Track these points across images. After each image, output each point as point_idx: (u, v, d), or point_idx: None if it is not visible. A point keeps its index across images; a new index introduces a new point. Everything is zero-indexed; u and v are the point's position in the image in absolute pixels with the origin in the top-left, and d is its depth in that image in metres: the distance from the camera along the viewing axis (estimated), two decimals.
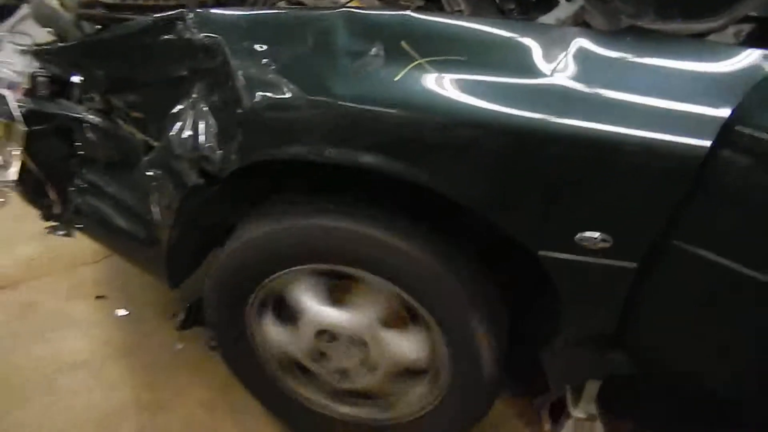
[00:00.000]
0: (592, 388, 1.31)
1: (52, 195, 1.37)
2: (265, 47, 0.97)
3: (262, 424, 1.46)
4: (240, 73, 0.97)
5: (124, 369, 1.60)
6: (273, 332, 1.24)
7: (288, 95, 0.93)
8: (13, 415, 1.45)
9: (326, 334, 1.16)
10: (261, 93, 0.95)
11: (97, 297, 1.82)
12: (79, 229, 1.42)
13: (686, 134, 0.77)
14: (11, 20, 1.39)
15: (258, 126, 0.98)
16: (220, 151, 1.06)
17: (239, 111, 0.99)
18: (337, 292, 1.17)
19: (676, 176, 0.80)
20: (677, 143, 0.77)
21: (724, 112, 0.76)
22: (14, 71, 1.27)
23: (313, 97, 0.92)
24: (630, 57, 0.83)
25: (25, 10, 1.42)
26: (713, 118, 0.76)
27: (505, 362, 1.19)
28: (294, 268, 1.12)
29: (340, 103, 0.90)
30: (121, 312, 1.77)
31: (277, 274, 1.13)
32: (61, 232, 1.43)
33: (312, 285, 1.15)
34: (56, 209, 1.40)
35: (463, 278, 1.07)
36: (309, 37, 0.94)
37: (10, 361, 1.59)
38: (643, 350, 1.08)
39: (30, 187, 1.36)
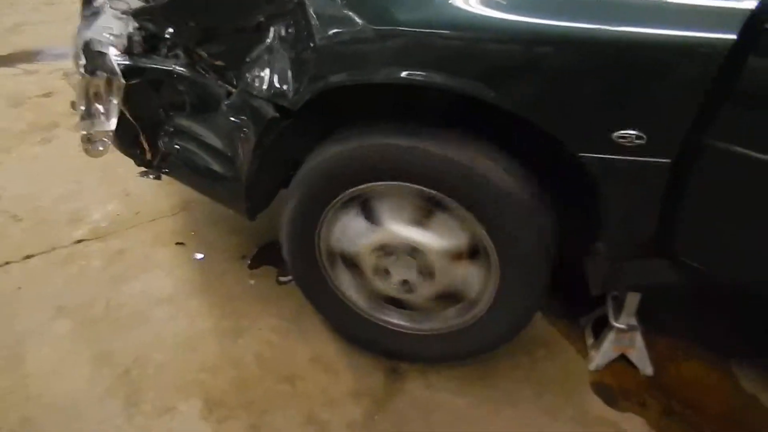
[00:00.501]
0: (632, 300, 1.43)
1: (144, 143, 1.56)
2: None
3: (330, 346, 1.62)
4: (313, 11, 1.12)
5: (204, 302, 1.79)
6: (346, 228, 1.36)
7: (356, 28, 1.08)
8: (117, 343, 1.65)
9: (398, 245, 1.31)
10: (332, 28, 1.11)
11: (177, 243, 2.02)
12: (165, 173, 1.61)
13: (710, 29, 0.88)
14: None
15: (330, 58, 1.13)
16: (295, 86, 1.22)
17: (312, 46, 1.14)
18: (420, 214, 1.30)
19: (701, 71, 0.91)
20: (701, 38, 0.88)
21: (749, 5, 0.86)
22: (113, 34, 1.46)
23: (378, 27, 1.07)
24: None
25: None
26: (737, 11, 0.86)
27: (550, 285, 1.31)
28: (373, 184, 1.26)
29: (402, 29, 1.05)
30: (199, 255, 1.97)
31: (358, 186, 1.27)
32: (151, 176, 1.62)
33: (396, 200, 1.29)
34: (147, 156, 1.58)
35: (530, 205, 1.19)
36: None
37: (110, 297, 1.80)
38: (682, 253, 1.17)
39: (125, 136, 1.55)
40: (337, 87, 1.16)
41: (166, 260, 1.96)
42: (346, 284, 1.47)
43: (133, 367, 1.58)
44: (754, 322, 1.61)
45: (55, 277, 1.89)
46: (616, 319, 1.46)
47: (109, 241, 2.05)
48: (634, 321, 1.45)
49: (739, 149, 0.97)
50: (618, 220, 1.15)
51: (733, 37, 0.88)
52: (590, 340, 1.57)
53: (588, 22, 0.94)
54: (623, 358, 1.51)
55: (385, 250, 1.33)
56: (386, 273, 1.37)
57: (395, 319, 1.47)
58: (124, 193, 2.31)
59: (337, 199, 1.31)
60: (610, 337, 1.48)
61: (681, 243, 1.15)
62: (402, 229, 1.30)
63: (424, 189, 1.21)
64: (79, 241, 2.05)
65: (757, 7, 0.87)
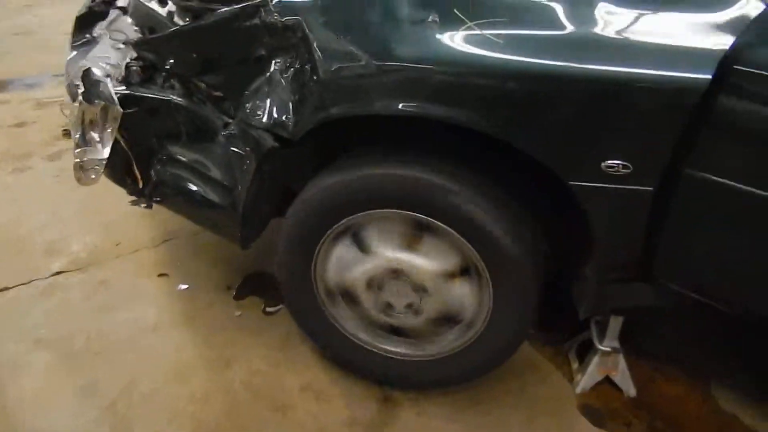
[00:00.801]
0: (615, 324, 1.49)
1: (137, 171, 1.56)
2: (338, 23, 1.18)
3: (321, 375, 1.63)
4: (317, 46, 1.18)
5: (191, 332, 1.77)
6: (341, 259, 1.39)
7: (360, 63, 1.14)
8: (102, 374, 1.62)
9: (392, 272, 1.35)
10: (336, 62, 1.16)
11: (160, 275, 2.01)
12: (157, 201, 1.61)
13: (687, 70, 0.97)
14: (106, 21, 1.61)
15: (333, 90, 1.18)
16: (295, 117, 1.26)
17: (315, 78, 1.19)
18: (414, 240, 1.34)
19: (680, 107, 0.99)
20: (680, 77, 0.97)
21: (724, 46, 0.95)
22: (109, 63, 1.49)
23: (380, 63, 1.13)
24: (640, 8, 1.04)
25: (115, 12, 1.64)
26: (713, 53, 0.96)
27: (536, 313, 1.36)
28: (370, 212, 1.30)
29: (403, 64, 1.11)
30: (183, 286, 1.95)
31: (358, 214, 1.30)
32: (143, 205, 1.62)
33: (392, 228, 1.33)
34: (139, 185, 1.59)
35: (522, 235, 1.25)
36: (375, 11, 1.15)
37: (92, 329, 1.77)
38: (662, 276, 1.24)
39: (117, 164, 1.55)
40: (337, 118, 1.21)
41: (150, 291, 1.93)
42: (342, 312, 1.48)
43: (120, 399, 1.55)
44: (728, 343, 1.69)
45: (33, 310, 1.85)
46: (601, 342, 1.51)
47: (90, 272, 2.02)
48: (617, 344, 1.51)
49: (714, 178, 1.05)
50: (605, 245, 1.21)
51: (709, 76, 0.97)
52: (575, 365, 1.62)
53: (579, 62, 1.02)
54: (607, 380, 1.56)
55: (380, 276, 1.37)
56: (382, 300, 1.40)
57: (392, 347, 1.49)
58: (103, 225, 2.28)
59: (336, 226, 1.34)
60: (595, 360, 1.53)
61: (662, 266, 1.22)
62: (397, 255, 1.34)
63: (423, 217, 1.25)
64: (59, 273, 2.02)
65: (729, 49, 0.97)
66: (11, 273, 2.01)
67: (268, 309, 1.86)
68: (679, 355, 1.67)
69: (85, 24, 1.85)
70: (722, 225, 1.11)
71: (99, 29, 1.58)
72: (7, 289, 1.94)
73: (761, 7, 0.99)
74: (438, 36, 1.09)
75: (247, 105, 1.36)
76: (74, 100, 1.55)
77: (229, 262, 2.07)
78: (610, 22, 1.03)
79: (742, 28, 0.97)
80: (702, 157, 1.04)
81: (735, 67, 0.97)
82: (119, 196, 2.44)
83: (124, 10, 1.74)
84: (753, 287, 1.15)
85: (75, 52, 1.76)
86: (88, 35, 1.84)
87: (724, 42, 0.96)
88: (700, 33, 0.99)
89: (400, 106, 1.14)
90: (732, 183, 1.04)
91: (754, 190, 1.02)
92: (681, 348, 1.69)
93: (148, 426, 1.48)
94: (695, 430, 1.46)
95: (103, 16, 1.83)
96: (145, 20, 1.47)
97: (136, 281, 1.98)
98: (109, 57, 1.51)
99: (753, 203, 1.03)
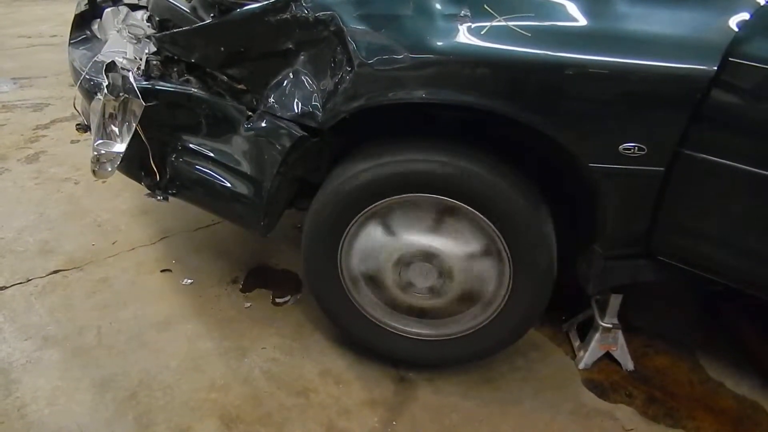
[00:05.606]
0: (615, 302, 1.61)
1: (153, 165, 1.58)
2: (372, 17, 1.24)
3: (337, 360, 1.68)
4: (352, 39, 1.24)
5: (202, 325, 1.79)
6: (368, 243, 1.45)
7: (395, 54, 1.21)
8: (117, 368, 1.62)
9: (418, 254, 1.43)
10: (372, 53, 1.22)
11: (162, 270, 2.01)
12: (173, 194, 1.63)
13: (693, 61, 1.09)
14: (120, 16, 1.62)
15: (368, 79, 1.24)
16: (325, 107, 1.32)
17: (350, 70, 1.25)
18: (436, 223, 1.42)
19: (688, 94, 1.11)
20: (688, 68, 1.09)
21: (726, 40, 1.08)
22: (126, 58, 1.50)
23: (416, 55, 1.20)
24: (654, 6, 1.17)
25: (125, 9, 1.66)
26: (717, 46, 1.08)
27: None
28: (402, 196, 1.37)
29: (438, 56, 1.19)
30: (188, 281, 1.96)
31: (390, 198, 1.38)
32: (159, 198, 1.62)
33: (414, 212, 1.40)
34: (156, 178, 1.60)
35: (540, 213, 1.35)
36: (409, 5, 1.23)
37: (101, 325, 1.76)
38: (669, 252, 1.36)
39: (134, 157, 1.56)
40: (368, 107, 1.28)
41: (154, 287, 1.93)
42: (365, 295, 1.54)
43: (139, 391, 1.55)
44: (705, 315, 1.85)
45: (36, 307, 1.82)
46: (602, 319, 1.62)
47: (89, 271, 2.00)
48: (616, 320, 1.63)
49: (717, 160, 1.18)
50: (616, 223, 1.32)
51: (714, 68, 1.09)
52: (576, 342, 1.73)
53: (599, 54, 1.13)
54: (606, 356, 1.68)
55: (405, 259, 1.44)
56: (408, 283, 1.47)
57: (414, 328, 1.55)
58: (96, 224, 2.26)
59: (365, 211, 1.40)
60: (597, 336, 1.64)
61: (665, 241, 1.35)
62: (422, 238, 1.41)
63: (454, 201, 1.34)
64: (56, 271, 1.99)
65: (729, 44, 1.09)
66: (6, 272, 1.97)
67: (278, 300, 1.89)
68: (664, 329, 1.80)
69: (83, 22, 1.85)
70: (722, 202, 1.23)
71: (118, 24, 1.58)
72: (4, 288, 1.90)
73: (757, 5, 1.13)
74: (469, 29, 1.18)
75: (273, 97, 1.40)
76: (89, 94, 1.56)
77: (230, 257, 2.09)
78: (624, 17, 1.15)
79: (743, 17, 1.10)
80: (705, 138, 1.17)
81: (728, 59, 1.10)
82: (105, 197, 2.45)
83: (132, 7, 1.75)
84: (751, 261, 1.28)
85: (78, 49, 1.77)
86: (87, 32, 1.85)
87: (726, 33, 1.09)
88: (704, 24, 1.11)
89: (434, 94, 1.22)
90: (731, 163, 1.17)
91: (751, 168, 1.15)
92: (665, 322, 1.84)
93: (172, 416, 1.49)
94: (689, 398, 1.59)
95: (100, 13, 1.84)
96: (167, 14, 1.49)
97: (139, 278, 1.97)
98: (125, 51, 1.52)
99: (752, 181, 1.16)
